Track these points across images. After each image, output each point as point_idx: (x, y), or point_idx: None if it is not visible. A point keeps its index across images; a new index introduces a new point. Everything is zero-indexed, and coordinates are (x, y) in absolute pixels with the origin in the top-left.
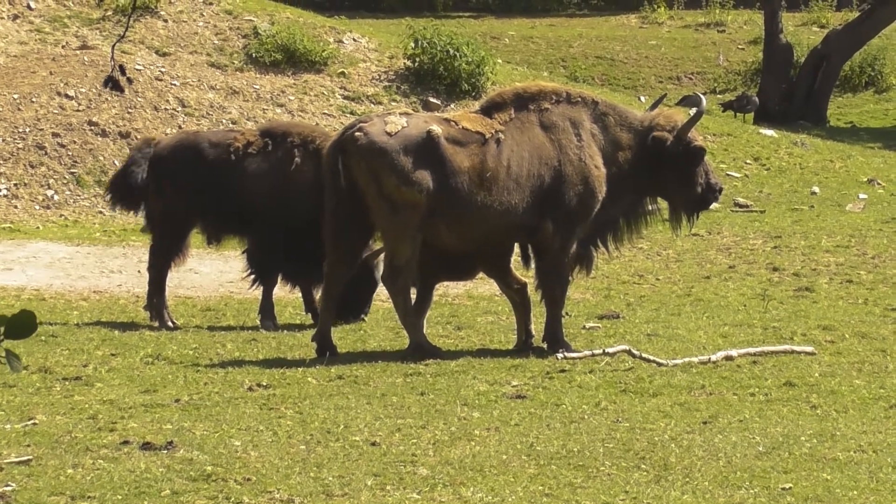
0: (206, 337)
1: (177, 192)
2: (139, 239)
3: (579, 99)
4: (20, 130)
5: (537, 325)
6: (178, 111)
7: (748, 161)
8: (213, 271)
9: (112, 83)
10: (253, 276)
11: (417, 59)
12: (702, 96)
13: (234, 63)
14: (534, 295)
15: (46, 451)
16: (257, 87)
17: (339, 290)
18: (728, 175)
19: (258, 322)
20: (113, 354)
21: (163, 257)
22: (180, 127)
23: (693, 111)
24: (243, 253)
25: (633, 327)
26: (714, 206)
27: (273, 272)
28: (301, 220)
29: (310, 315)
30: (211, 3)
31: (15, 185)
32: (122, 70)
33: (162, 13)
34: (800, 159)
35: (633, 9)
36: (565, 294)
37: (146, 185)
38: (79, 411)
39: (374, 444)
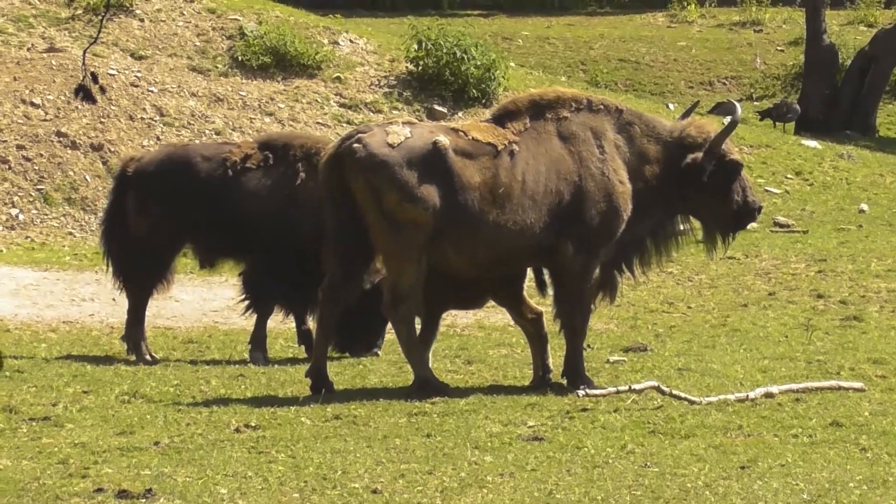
0: (189, 372)
1: (164, 211)
2: None
3: (601, 107)
4: None
5: (556, 359)
6: (155, 121)
7: (789, 175)
8: (196, 299)
9: (83, 93)
10: (247, 303)
11: (421, 63)
12: (737, 104)
13: (217, 67)
14: (552, 325)
15: (12, 499)
16: (244, 93)
17: (336, 320)
18: (767, 191)
19: (247, 355)
20: (85, 392)
21: (143, 283)
22: (158, 139)
23: (727, 120)
24: (239, 275)
25: (662, 361)
26: (752, 225)
27: (271, 298)
28: (305, 241)
29: (303, 348)
30: (192, 1)
31: None
32: (95, 78)
33: (138, 12)
34: (846, 173)
35: (660, 6)
36: (587, 324)
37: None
38: (47, 455)
39: (375, 491)
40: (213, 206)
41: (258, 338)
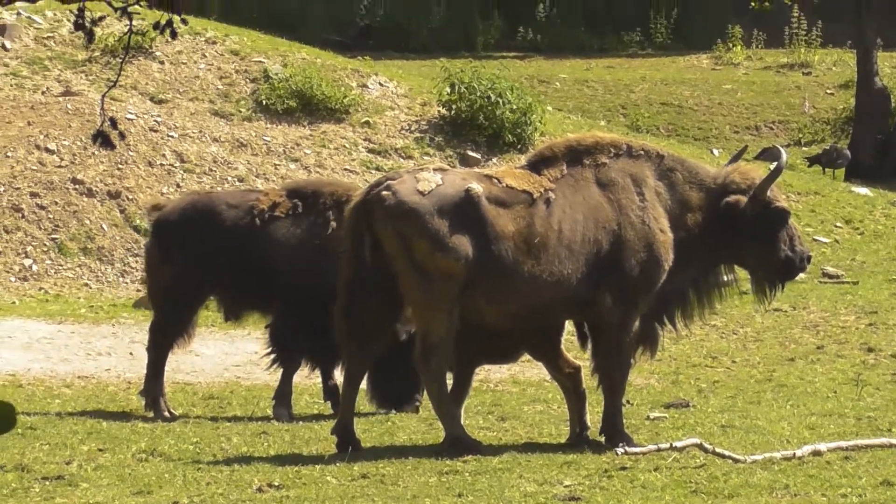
0: (209, 429)
1: (188, 261)
2: (131, 316)
3: (642, 152)
4: None
5: (593, 416)
6: (175, 167)
7: (838, 224)
8: (217, 353)
9: (102, 138)
10: (273, 356)
11: (454, 107)
12: (782, 149)
13: (240, 111)
14: (589, 380)
15: None
16: (268, 138)
17: (362, 376)
18: (815, 240)
19: (270, 411)
20: (101, 450)
21: (165, 336)
22: (178, 186)
23: (773, 166)
24: (266, 328)
25: (704, 417)
26: (800, 276)
27: (298, 353)
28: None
29: (329, 404)
30: (215, 43)
31: None
32: (114, 123)
33: (158, 54)
34: None
35: (704, 48)
36: (626, 379)
37: (147, 254)
38: None
39: None
40: (239, 255)
41: (283, 393)
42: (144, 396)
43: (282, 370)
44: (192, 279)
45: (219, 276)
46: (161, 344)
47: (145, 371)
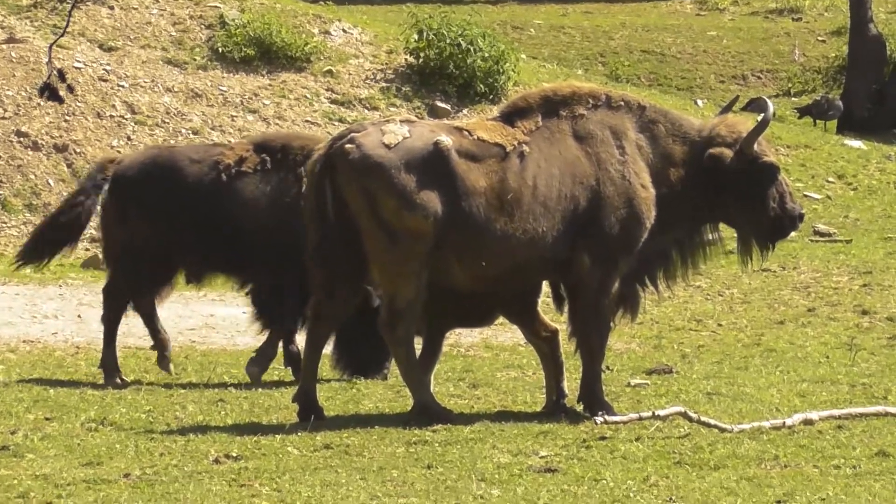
0: (163, 397)
1: (145, 219)
2: (79, 276)
3: (622, 103)
4: None
5: (571, 383)
6: (126, 119)
7: (830, 179)
8: (171, 316)
9: (49, 91)
10: (263, 321)
11: (422, 55)
12: (768, 100)
13: (195, 60)
14: (567, 345)
15: None
16: (224, 88)
17: (326, 340)
18: (806, 196)
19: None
20: (48, 419)
21: (119, 299)
22: (129, 139)
23: (760, 118)
24: (247, 294)
25: (689, 384)
26: (791, 234)
27: (291, 315)
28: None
29: (290, 370)
30: None
31: None
32: (62, 76)
33: None
34: (894, 176)
35: None
36: (605, 344)
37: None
38: (6, 488)
39: None
40: (204, 214)
41: (265, 354)
42: (103, 368)
43: (269, 332)
44: (152, 238)
45: (182, 237)
46: (115, 308)
47: (103, 339)
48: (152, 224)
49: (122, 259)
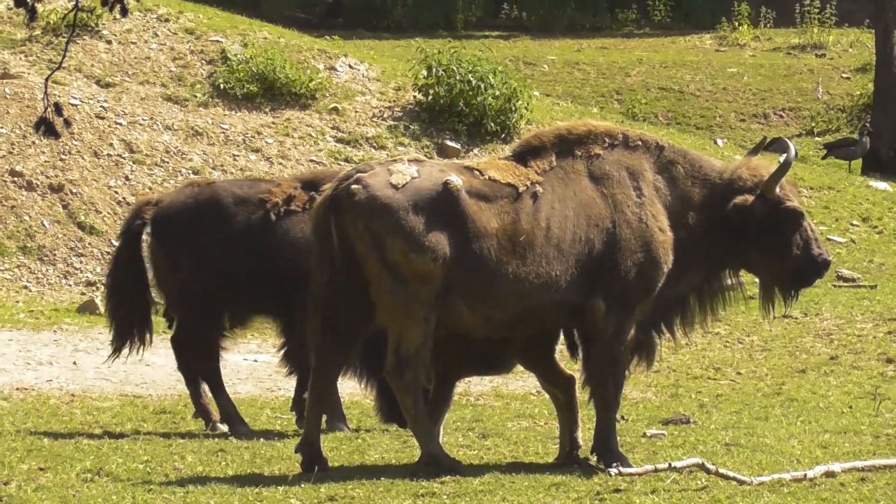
0: (161, 447)
1: (198, 263)
2: (74, 321)
3: (639, 142)
4: None
5: (585, 433)
6: (124, 158)
7: (854, 222)
8: (169, 363)
9: (45, 126)
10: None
11: (431, 92)
12: (789, 142)
13: (196, 96)
14: (581, 393)
15: None
16: (226, 126)
17: (331, 387)
18: (829, 240)
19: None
20: (42, 469)
21: (206, 344)
22: (127, 178)
23: (781, 159)
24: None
25: (707, 435)
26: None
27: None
28: None
29: (294, 417)
30: (167, 20)
31: None
32: (59, 110)
33: (105, 33)
34: None
35: (707, 27)
36: (620, 392)
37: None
38: None
39: None
40: (255, 255)
41: (334, 405)
42: (207, 415)
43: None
44: (209, 281)
45: (234, 279)
46: (205, 356)
47: (191, 391)
48: (206, 267)
49: (186, 306)
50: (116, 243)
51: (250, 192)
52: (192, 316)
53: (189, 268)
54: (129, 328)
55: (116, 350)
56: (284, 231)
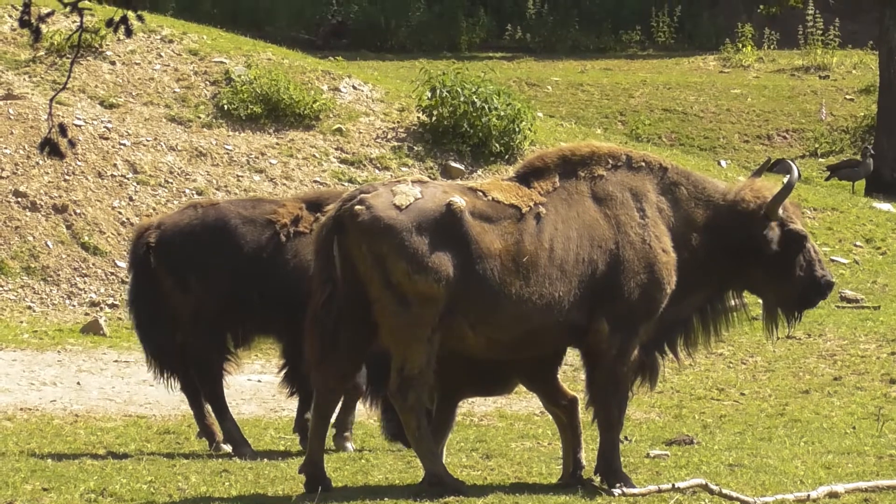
0: (164, 467)
1: (209, 286)
2: (78, 342)
3: (642, 164)
4: None
5: (589, 453)
6: (127, 178)
7: (858, 243)
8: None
9: (49, 147)
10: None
11: (435, 113)
12: (792, 163)
13: (199, 117)
14: (584, 414)
15: None
16: (230, 147)
17: (333, 408)
18: (833, 261)
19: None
20: (45, 489)
21: (213, 365)
22: (131, 199)
23: (785, 180)
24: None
25: (710, 456)
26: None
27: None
28: None
29: (297, 437)
30: (171, 41)
31: None
32: (63, 130)
33: (109, 54)
34: None
35: (710, 49)
36: (624, 413)
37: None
38: None
39: None
40: (260, 277)
41: (345, 423)
42: (225, 437)
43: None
44: (217, 304)
45: (242, 300)
46: (209, 380)
47: (194, 411)
48: (215, 288)
49: (193, 328)
50: (128, 277)
51: (255, 212)
52: (199, 337)
53: (197, 290)
54: (166, 356)
55: (164, 379)
56: (292, 252)
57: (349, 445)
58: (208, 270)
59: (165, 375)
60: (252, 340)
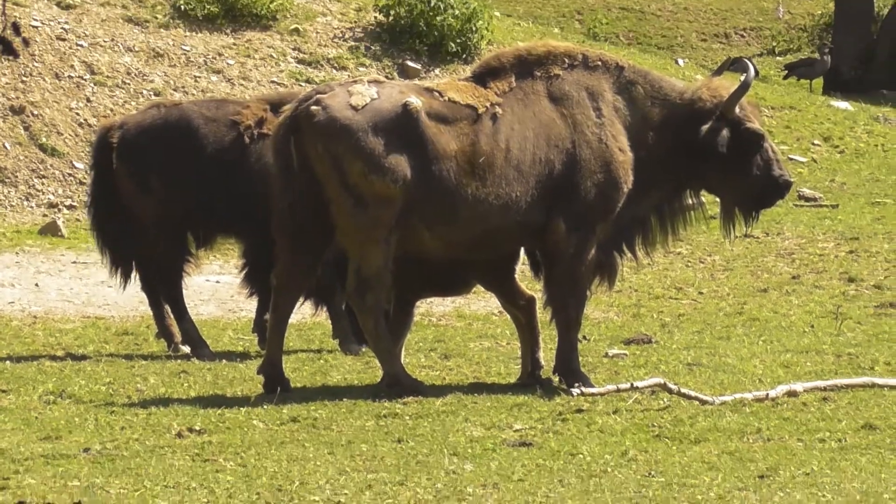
0: (123, 368)
1: (172, 186)
2: (36, 244)
3: (599, 63)
4: None
5: (547, 353)
6: (85, 79)
7: (816, 141)
8: (131, 284)
9: (3, 46)
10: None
11: (392, 12)
12: (749, 62)
13: (156, 18)
14: (542, 314)
15: None
16: (187, 48)
17: (291, 309)
18: (791, 160)
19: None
20: (4, 391)
21: (173, 267)
22: (88, 100)
23: (742, 78)
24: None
25: (669, 355)
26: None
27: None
28: None
29: (256, 338)
30: None
31: None
32: (17, 29)
33: None
34: (882, 139)
35: None
36: (582, 313)
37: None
38: None
39: None
40: (224, 178)
41: (343, 327)
42: (183, 338)
43: (326, 306)
44: (179, 205)
45: (205, 201)
46: (173, 277)
47: (154, 313)
48: (178, 189)
49: (155, 228)
50: (88, 177)
51: (219, 113)
52: (160, 238)
53: (159, 190)
54: (126, 257)
55: (124, 281)
56: (256, 153)
57: (357, 348)
58: (171, 171)
59: (124, 277)
60: (214, 241)
